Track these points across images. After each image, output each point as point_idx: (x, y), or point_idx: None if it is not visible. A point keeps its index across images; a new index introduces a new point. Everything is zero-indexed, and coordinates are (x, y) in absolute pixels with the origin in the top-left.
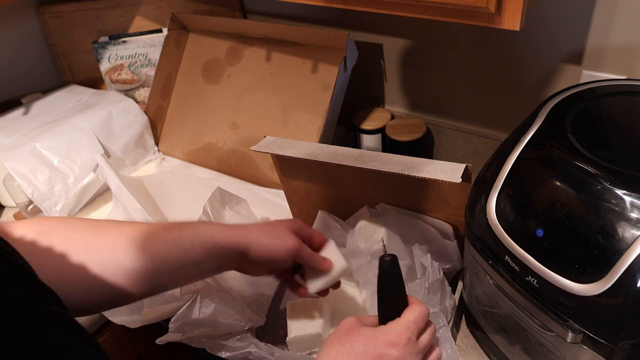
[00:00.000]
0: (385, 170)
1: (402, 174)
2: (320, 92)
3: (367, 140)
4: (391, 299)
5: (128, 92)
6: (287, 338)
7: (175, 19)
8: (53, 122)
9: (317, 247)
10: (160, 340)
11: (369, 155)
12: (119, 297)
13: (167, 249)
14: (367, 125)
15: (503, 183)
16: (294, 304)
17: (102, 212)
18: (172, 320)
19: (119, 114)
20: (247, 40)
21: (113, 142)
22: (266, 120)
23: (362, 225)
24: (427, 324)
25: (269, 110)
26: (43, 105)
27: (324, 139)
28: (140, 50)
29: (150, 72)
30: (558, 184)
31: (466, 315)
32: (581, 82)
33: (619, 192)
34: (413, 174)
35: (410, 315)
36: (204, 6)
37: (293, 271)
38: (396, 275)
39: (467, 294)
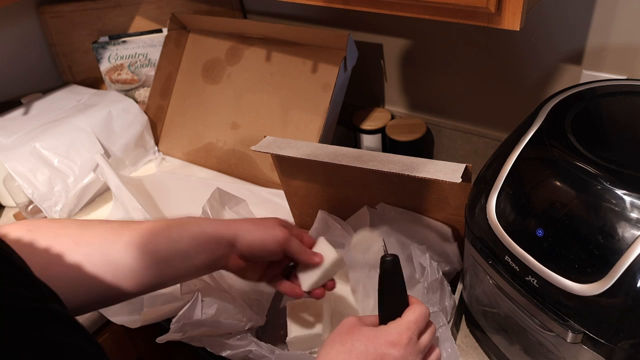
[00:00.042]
0: (385, 170)
1: (402, 174)
2: (320, 92)
3: (367, 140)
4: (392, 299)
5: (128, 92)
6: (287, 338)
7: (175, 19)
8: (53, 122)
9: (307, 247)
10: (161, 339)
11: (369, 155)
12: (109, 292)
13: (154, 240)
14: (367, 125)
15: (503, 183)
16: (294, 304)
17: (102, 212)
18: (174, 320)
19: (119, 114)
20: (247, 40)
21: (113, 142)
22: (266, 120)
23: (360, 237)
24: (428, 324)
25: (269, 110)
26: (43, 105)
27: (324, 139)
28: (140, 50)
29: (150, 72)
30: (558, 184)
31: (466, 315)
32: (581, 82)
33: (619, 192)
34: (413, 174)
35: (411, 315)
36: (204, 6)
37: (286, 276)
38: (397, 275)
39: (467, 294)
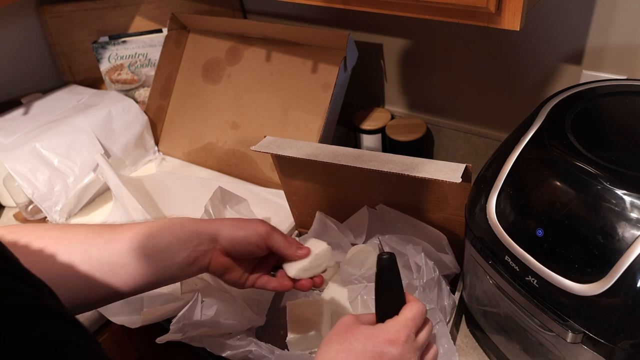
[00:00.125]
0: (385, 170)
1: (402, 174)
2: (320, 92)
3: (367, 140)
4: (389, 297)
5: (128, 92)
6: (287, 338)
7: (175, 19)
8: (53, 122)
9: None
10: (161, 340)
11: (369, 155)
12: (91, 291)
13: (135, 238)
14: (367, 125)
15: (503, 183)
16: (294, 304)
17: (102, 212)
18: (174, 321)
19: (119, 114)
20: (247, 40)
21: (113, 142)
22: (266, 120)
23: (355, 251)
24: (425, 321)
25: (269, 110)
26: (43, 105)
27: (324, 139)
28: (140, 50)
29: (150, 72)
30: (558, 184)
31: (466, 315)
32: (581, 82)
33: (619, 192)
34: (413, 174)
35: (409, 313)
36: (204, 6)
37: (273, 276)
38: (394, 273)
39: (467, 294)
